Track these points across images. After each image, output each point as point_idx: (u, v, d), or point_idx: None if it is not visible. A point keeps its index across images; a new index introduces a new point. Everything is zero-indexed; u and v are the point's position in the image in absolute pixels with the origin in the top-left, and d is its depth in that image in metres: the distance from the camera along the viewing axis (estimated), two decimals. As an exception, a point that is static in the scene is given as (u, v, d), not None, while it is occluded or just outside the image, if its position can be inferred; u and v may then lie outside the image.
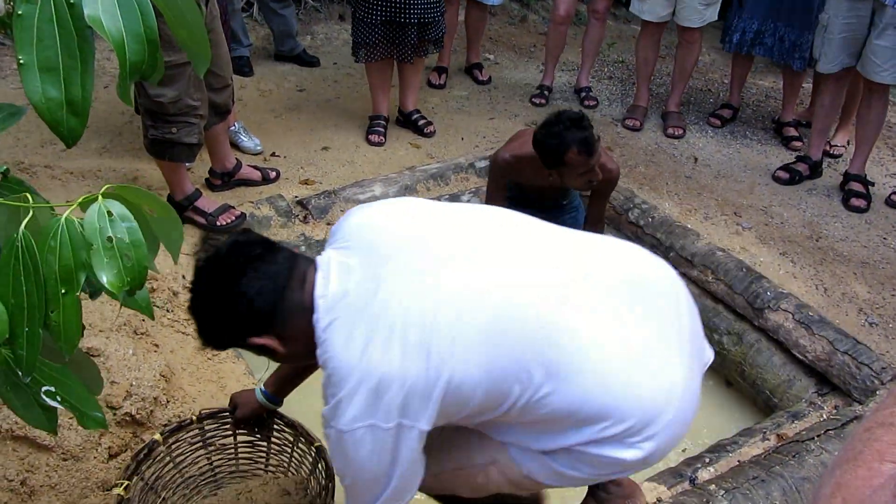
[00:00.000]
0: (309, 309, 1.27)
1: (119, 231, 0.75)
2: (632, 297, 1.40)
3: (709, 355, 1.59)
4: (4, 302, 0.80)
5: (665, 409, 1.35)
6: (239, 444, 1.93)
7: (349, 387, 1.22)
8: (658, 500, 2.12)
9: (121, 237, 0.74)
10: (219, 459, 1.93)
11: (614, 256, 1.47)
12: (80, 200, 0.78)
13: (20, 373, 0.85)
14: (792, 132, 4.29)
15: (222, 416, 1.88)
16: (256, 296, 1.26)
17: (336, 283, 1.28)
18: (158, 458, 1.78)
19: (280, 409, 1.85)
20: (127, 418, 1.99)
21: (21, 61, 0.74)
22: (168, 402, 2.12)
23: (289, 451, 1.91)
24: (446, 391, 1.24)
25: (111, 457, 1.93)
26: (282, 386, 1.78)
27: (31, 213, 0.80)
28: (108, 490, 1.86)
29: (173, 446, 1.82)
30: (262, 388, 1.79)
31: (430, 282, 1.28)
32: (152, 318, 0.89)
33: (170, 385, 2.17)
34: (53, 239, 0.79)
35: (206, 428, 1.88)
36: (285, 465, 1.93)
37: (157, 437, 1.77)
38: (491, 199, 2.86)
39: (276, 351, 1.34)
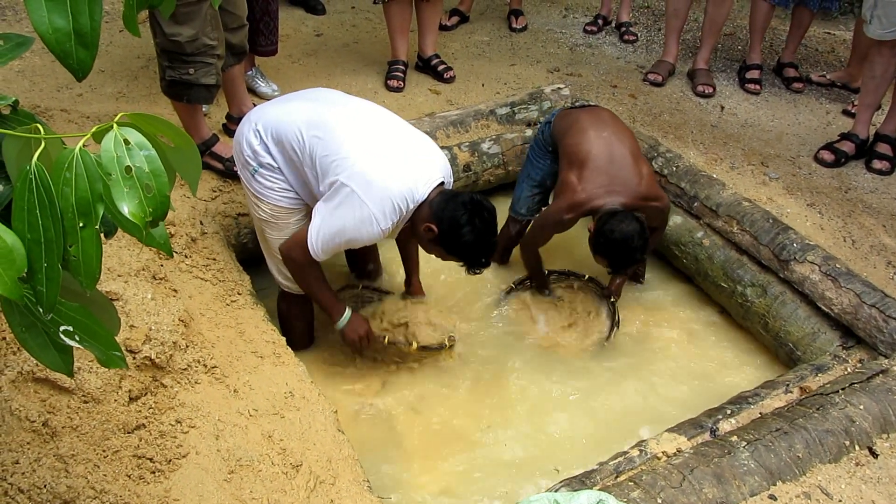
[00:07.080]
0: None
1: (138, 160, 0.71)
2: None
3: None
4: (21, 237, 0.76)
5: None
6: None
7: None
8: (678, 451, 2.11)
9: (140, 166, 0.71)
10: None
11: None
12: (93, 130, 0.74)
13: (41, 310, 0.82)
14: (792, 73, 4.14)
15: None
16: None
17: None
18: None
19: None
20: (147, 362, 1.99)
21: (24, -11, 0.71)
22: (187, 346, 2.11)
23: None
24: None
25: (131, 400, 1.93)
26: None
27: (42, 144, 0.77)
28: (129, 433, 1.87)
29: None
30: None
31: None
32: (171, 255, 0.85)
33: (189, 330, 2.16)
34: (68, 170, 0.75)
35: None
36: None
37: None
38: (534, 247, 2.88)
39: None
